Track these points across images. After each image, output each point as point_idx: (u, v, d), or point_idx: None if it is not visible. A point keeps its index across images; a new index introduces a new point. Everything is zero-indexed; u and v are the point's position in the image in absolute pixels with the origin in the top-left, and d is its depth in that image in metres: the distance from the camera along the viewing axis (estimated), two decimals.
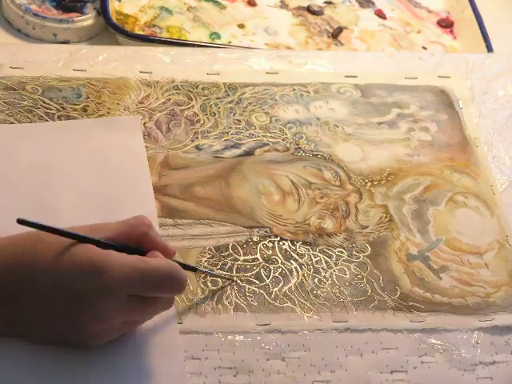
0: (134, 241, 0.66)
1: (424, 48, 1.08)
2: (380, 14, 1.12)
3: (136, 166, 0.81)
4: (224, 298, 0.73)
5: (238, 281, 0.74)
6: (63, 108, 0.85)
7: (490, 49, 1.03)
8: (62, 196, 0.77)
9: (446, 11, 1.15)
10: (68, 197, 0.77)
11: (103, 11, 0.98)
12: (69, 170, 0.79)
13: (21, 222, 0.62)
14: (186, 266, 0.70)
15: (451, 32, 1.12)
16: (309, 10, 1.10)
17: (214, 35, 1.03)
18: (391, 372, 0.70)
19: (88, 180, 0.78)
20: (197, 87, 0.90)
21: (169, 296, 0.67)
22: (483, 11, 1.09)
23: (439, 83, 0.95)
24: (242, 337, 0.71)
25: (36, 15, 0.97)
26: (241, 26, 1.05)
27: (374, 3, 1.14)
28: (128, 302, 0.64)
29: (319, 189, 0.83)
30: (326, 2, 1.12)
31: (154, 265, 0.64)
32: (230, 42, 1.02)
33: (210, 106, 0.88)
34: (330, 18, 1.10)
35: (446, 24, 1.12)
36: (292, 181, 0.83)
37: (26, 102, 0.85)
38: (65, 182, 0.78)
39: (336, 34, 1.07)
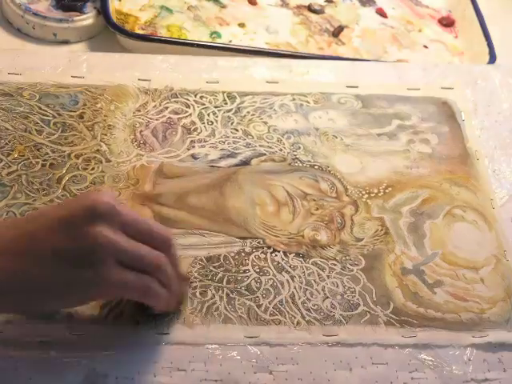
0: None
1: (425, 47, 1.08)
2: (381, 13, 1.12)
3: None
4: (213, 309, 0.72)
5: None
6: (59, 114, 0.85)
7: (491, 47, 1.03)
8: None
9: (447, 10, 1.14)
10: None
11: (103, 10, 0.98)
12: None
13: None
14: None
15: (452, 31, 1.11)
16: (309, 8, 1.10)
17: (215, 34, 1.02)
18: None
19: None
20: (195, 95, 0.90)
21: None
22: (484, 10, 1.09)
23: (442, 94, 0.94)
24: (229, 349, 0.70)
25: (36, 14, 0.98)
26: (241, 25, 1.05)
27: (374, 2, 1.14)
28: None
29: (315, 200, 0.82)
30: (326, 1, 1.12)
31: None
32: (230, 41, 1.02)
33: (208, 115, 0.88)
34: (331, 17, 1.10)
35: (447, 23, 1.12)
36: (287, 191, 0.82)
37: (22, 108, 0.85)
38: None
39: (337, 32, 1.07)
